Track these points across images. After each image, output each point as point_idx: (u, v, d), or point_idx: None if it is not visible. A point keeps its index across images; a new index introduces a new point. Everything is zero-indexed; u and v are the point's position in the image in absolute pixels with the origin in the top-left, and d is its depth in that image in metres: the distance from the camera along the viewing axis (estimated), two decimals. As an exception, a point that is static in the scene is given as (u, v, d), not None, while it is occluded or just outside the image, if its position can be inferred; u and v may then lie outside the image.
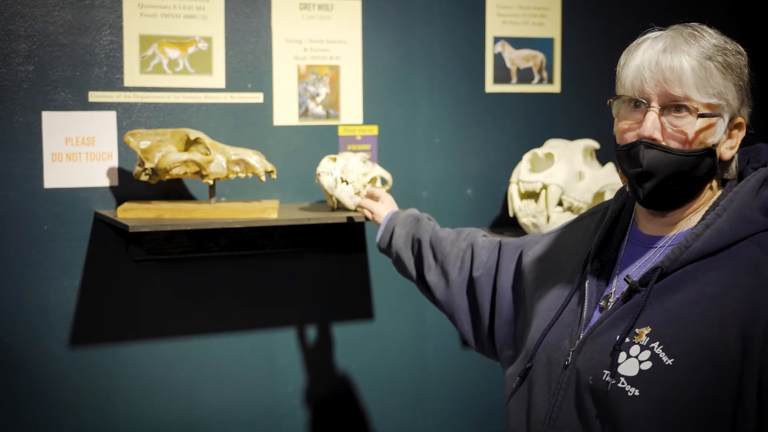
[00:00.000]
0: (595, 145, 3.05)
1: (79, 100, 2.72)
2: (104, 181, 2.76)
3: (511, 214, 3.02)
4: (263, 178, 2.68)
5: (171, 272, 2.87)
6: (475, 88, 3.22)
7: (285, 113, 2.96)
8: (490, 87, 3.23)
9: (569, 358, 1.70)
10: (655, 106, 1.65)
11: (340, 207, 2.82)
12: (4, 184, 2.66)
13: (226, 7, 2.86)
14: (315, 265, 3.05)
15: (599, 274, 1.79)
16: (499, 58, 3.24)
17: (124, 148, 2.76)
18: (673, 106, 1.65)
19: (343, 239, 3.06)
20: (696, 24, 1.75)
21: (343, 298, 3.10)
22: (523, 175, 2.96)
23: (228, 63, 2.88)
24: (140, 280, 2.83)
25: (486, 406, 3.31)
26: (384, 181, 2.91)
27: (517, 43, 3.26)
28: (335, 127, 3.03)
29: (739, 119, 1.72)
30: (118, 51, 2.75)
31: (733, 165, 1.76)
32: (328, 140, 3.02)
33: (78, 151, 2.72)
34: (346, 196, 2.77)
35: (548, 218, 2.90)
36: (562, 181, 2.89)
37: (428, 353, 3.23)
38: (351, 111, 3.05)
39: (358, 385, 3.15)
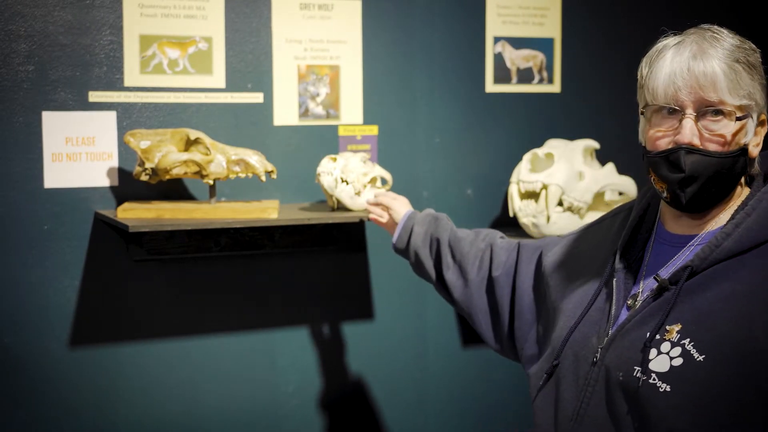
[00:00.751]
0: (595, 145, 3.05)
1: (79, 100, 2.72)
2: (104, 181, 2.76)
3: (511, 214, 3.02)
4: (263, 178, 2.68)
5: (171, 272, 2.87)
6: (476, 88, 3.22)
7: (285, 113, 2.96)
8: (490, 87, 3.23)
9: (598, 355, 1.71)
10: (691, 112, 1.67)
11: (341, 207, 2.82)
12: (4, 184, 2.66)
13: (226, 7, 2.86)
14: (315, 265, 3.05)
15: (626, 272, 1.81)
16: (499, 58, 3.24)
17: (124, 148, 2.76)
18: (709, 111, 1.66)
19: (343, 239, 3.06)
20: (710, 26, 1.77)
21: (344, 298, 3.10)
22: (523, 175, 2.96)
23: (228, 63, 2.88)
24: (140, 280, 2.83)
25: (486, 406, 3.31)
26: (384, 181, 2.91)
27: (517, 43, 3.26)
28: (335, 127, 3.03)
29: (763, 116, 1.74)
30: (118, 51, 2.75)
31: (756, 161, 1.78)
32: (328, 140, 3.02)
33: (78, 151, 2.72)
34: (347, 196, 2.77)
35: (548, 218, 2.90)
36: (562, 181, 2.89)
37: (428, 353, 3.23)
38: (351, 111, 3.05)
39: (359, 385, 3.15)
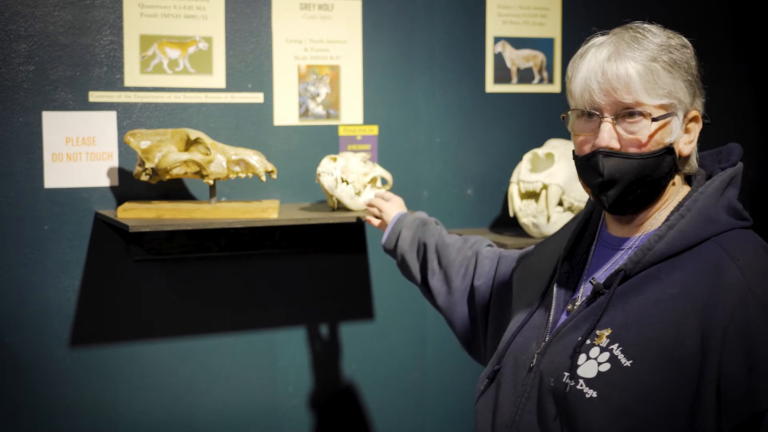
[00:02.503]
0: (596, 145, 3.05)
1: (79, 100, 2.72)
2: (104, 181, 2.76)
3: (511, 214, 3.02)
4: (263, 178, 2.68)
5: (171, 272, 2.87)
6: (476, 88, 3.22)
7: (285, 113, 2.96)
8: (491, 87, 3.23)
9: (534, 361, 1.70)
10: (607, 116, 1.65)
11: (341, 207, 2.82)
12: (5, 184, 2.66)
13: (227, 7, 2.86)
14: (315, 265, 3.05)
15: (568, 277, 1.79)
16: (499, 58, 3.24)
17: (124, 148, 2.76)
18: (625, 113, 1.64)
19: (343, 239, 3.06)
20: (638, 24, 1.75)
21: (344, 298, 3.10)
22: (524, 175, 2.96)
23: (228, 63, 2.88)
24: (141, 280, 2.83)
25: (486, 406, 3.31)
26: (384, 181, 2.91)
27: (518, 43, 3.26)
28: (335, 127, 3.03)
29: (694, 113, 1.72)
30: (118, 51, 2.75)
31: (694, 159, 1.75)
32: (328, 140, 3.02)
33: (78, 151, 2.73)
34: (347, 196, 2.77)
35: (548, 218, 2.90)
36: (562, 181, 2.89)
37: (428, 353, 3.23)
38: (351, 111, 3.05)
39: (358, 385, 3.15)
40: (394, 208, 2.55)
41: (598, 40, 1.71)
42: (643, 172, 1.66)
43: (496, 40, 3.23)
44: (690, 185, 1.76)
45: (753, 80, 3.71)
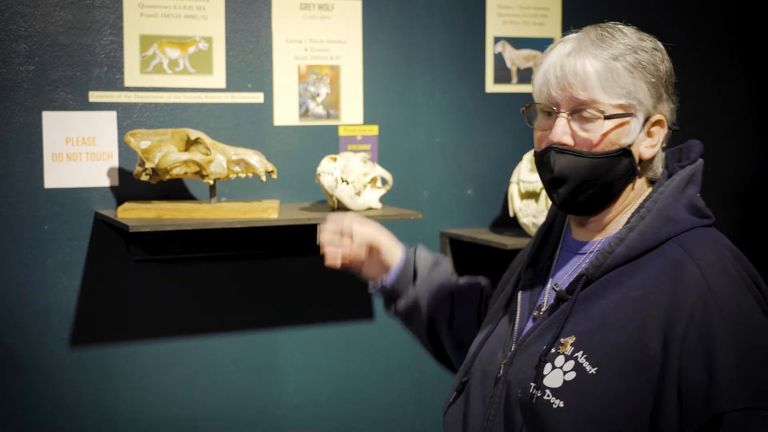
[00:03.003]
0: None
1: (79, 100, 2.72)
2: (105, 181, 2.76)
3: (511, 214, 3.02)
4: (263, 178, 2.68)
5: (171, 272, 2.87)
6: (476, 88, 3.22)
7: (285, 113, 2.96)
8: (491, 87, 3.23)
9: (501, 371, 1.67)
10: (563, 111, 1.63)
11: (341, 207, 2.82)
12: (5, 184, 2.66)
13: (227, 8, 2.86)
14: (315, 265, 3.04)
15: (533, 283, 1.76)
16: (499, 58, 3.24)
17: (124, 148, 2.76)
18: (580, 109, 1.62)
19: (343, 239, 3.06)
20: (610, 23, 1.73)
21: (344, 298, 3.10)
22: (524, 175, 2.96)
23: (228, 63, 2.88)
24: (141, 280, 2.83)
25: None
26: (384, 181, 2.91)
27: (518, 43, 3.26)
28: (335, 127, 3.03)
29: (658, 116, 1.68)
30: (118, 51, 2.75)
31: (659, 163, 1.72)
32: (328, 140, 3.02)
33: (78, 151, 2.72)
34: (347, 196, 2.77)
35: (548, 218, 2.90)
36: (562, 181, 2.88)
37: (428, 353, 3.22)
38: (351, 111, 3.05)
39: (358, 385, 3.15)
40: (392, 245, 2.06)
41: (567, 36, 1.70)
42: (596, 172, 1.63)
43: (496, 40, 3.23)
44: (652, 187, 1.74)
45: (753, 80, 3.71)
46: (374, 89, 3.07)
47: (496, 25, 3.23)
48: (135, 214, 2.59)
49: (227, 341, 2.96)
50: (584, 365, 1.56)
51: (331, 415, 3.12)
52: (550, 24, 3.30)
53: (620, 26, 1.72)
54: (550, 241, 1.81)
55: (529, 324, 1.70)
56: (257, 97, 2.92)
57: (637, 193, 1.70)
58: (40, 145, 2.68)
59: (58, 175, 2.71)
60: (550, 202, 2.88)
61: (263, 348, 3.00)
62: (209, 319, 2.93)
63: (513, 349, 1.67)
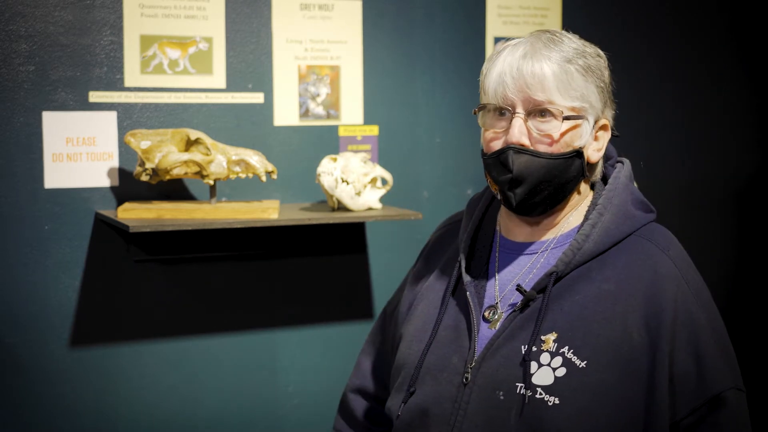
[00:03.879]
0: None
1: (79, 101, 2.72)
2: (105, 182, 2.76)
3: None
4: (264, 179, 2.68)
5: (171, 272, 2.87)
6: (476, 88, 3.20)
7: (285, 113, 2.96)
8: (491, 87, 3.23)
9: (468, 376, 1.66)
10: (520, 112, 1.65)
11: (341, 207, 2.82)
12: (5, 185, 2.66)
13: (227, 8, 2.86)
14: (315, 265, 3.05)
15: (475, 286, 1.76)
16: (499, 59, 3.23)
17: (124, 148, 2.76)
18: (537, 111, 1.65)
19: (343, 239, 3.06)
20: (555, 29, 1.75)
21: (344, 298, 3.11)
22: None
23: (228, 63, 2.88)
24: (141, 280, 2.83)
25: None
26: (384, 182, 2.91)
27: (518, 43, 3.25)
28: (336, 128, 3.03)
29: (604, 121, 1.72)
30: (118, 51, 2.75)
31: (600, 168, 1.77)
32: (328, 140, 3.02)
33: (79, 151, 2.73)
34: (347, 196, 2.77)
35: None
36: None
37: None
38: (351, 111, 3.05)
39: (359, 385, 3.15)
40: None
41: (514, 41, 1.71)
42: (552, 172, 1.66)
43: (496, 40, 3.23)
44: (591, 189, 1.78)
45: (753, 80, 3.71)
46: (374, 89, 3.07)
47: (496, 25, 3.23)
48: (135, 214, 2.60)
49: (227, 341, 2.96)
50: (573, 360, 1.59)
51: (331, 415, 3.11)
52: (550, 24, 3.30)
53: (564, 32, 1.74)
54: (480, 245, 1.82)
55: (483, 325, 1.70)
56: (257, 98, 2.92)
57: (583, 195, 1.76)
58: (40, 145, 2.68)
59: (58, 175, 2.71)
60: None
61: (263, 348, 3.00)
62: (209, 319, 2.93)
63: (479, 352, 1.67)
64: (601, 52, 1.74)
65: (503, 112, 1.68)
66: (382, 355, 2.02)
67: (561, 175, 1.67)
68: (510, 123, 1.66)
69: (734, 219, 3.72)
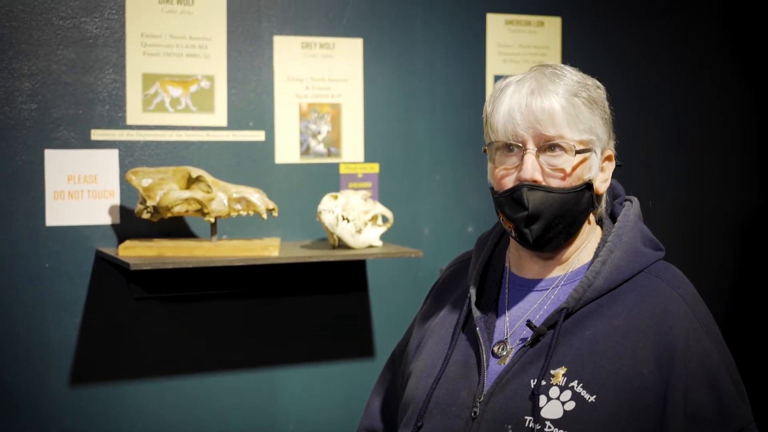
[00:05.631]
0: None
1: (81, 138, 2.73)
2: (106, 219, 2.76)
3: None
4: (264, 216, 2.68)
5: (172, 310, 2.86)
6: (476, 126, 3.21)
7: (286, 151, 2.97)
8: (491, 125, 3.24)
9: (477, 410, 1.65)
10: (531, 148, 1.65)
11: (342, 245, 2.82)
12: (6, 222, 2.66)
13: (229, 46, 2.88)
14: (316, 303, 3.04)
15: (485, 321, 1.76)
16: (499, 96, 3.25)
17: (125, 185, 2.77)
18: (548, 146, 1.65)
19: (344, 277, 3.06)
20: (554, 63, 1.76)
21: (344, 336, 3.10)
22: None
23: (230, 101, 2.89)
24: (141, 317, 2.82)
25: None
26: (385, 219, 2.91)
27: (518, 81, 3.27)
28: (336, 165, 3.04)
29: (609, 152, 1.74)
30: (120, 89, 2.77)
31: (604, 200, 1.78)
32: (329, 178, 3.03)
33: (80, 188, 2.73)
34: (348, 233, 2.77)
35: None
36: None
37: None
38: (352, 149, 3.06)
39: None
40: None
41: (516, 77, 1.72)
42: (565, 207, 1.66)
43: (497, 78, 3.24)
44: (598, 224, 1.79)
45: (752, 83, 3.72)
46: (375, 127, 3.08)
47: (496, 63, 3.25)
48: (136, 252, 2.60)
49: (228, 379, 2.94)
50: (582, 394, 1.58)
51: (331, 454, 3.10)
52: (550, 62, 3.31)
53: (564, 66, 1.75)
54: (489, 282, 1.82)
55: (492, 360, 1.70)
56: (258, 135, 2.93)
57: (591, 229, 1.77)
58: (41, 183, 2.69)
59: (59, 212, 2.71)
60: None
61: (264, 386, 2.99)
62: (210, 357, 2.92)
63: (489, 386, 1.66)
64: (600, 84, 1.75)
65: (512, 148, 1.68)
66: (391, 394, 2.02)
67: (574, 209, 1.68)
68: (522, 159, 1.66)
69: (739, 253, 3.72)
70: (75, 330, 2.76)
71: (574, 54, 3.34)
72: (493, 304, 1.78)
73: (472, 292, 1.79)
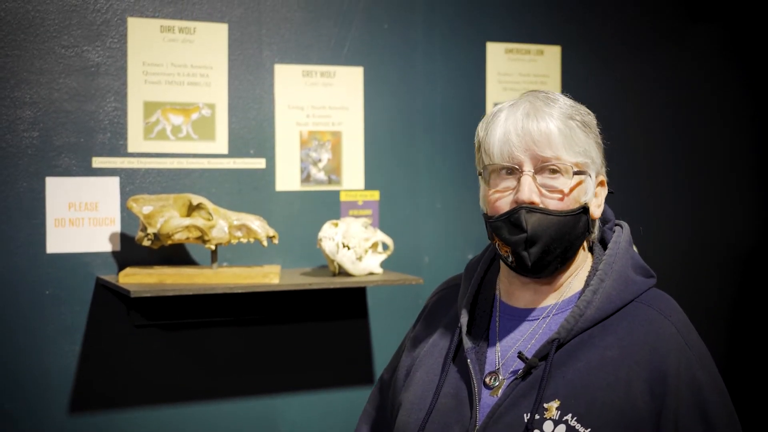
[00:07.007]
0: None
1: (82, 166, 2.74)
2: (106, 246, 2.77)
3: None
4: (265, 243, 2.68)
5: (172, 337, 2.86)
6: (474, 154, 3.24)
7: (287, 179, 2.98)
8: (491, 152, 3.25)
9: None
10: (528, 170, 1.64)
11: (342, 272, 2.82)
12: (7, 249, 2.67)
13: (230, 75, 2.89)
14: (317, 331, 3.04)
15: (476, 352, 1.73)
16: (499, 124, 3.26)
17: (126, 213, 2.77)
18: (545, 167, 1.64)
19: (344, 304, 3.06)
20: (545, 90, 1.77)
21: (345, 363, 3.09)
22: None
23: (231, 129, 2.90)
24: (142, 345, 2.82)
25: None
26: (385, 246, 2.92)
27: (518, 109, 3.28)
28: (337, 193, 3.05)
29: (601, 177, 1.73)
30: (122, 117, 2.78)
31: (597, 225, 1.77)
32: (329, 205, 3.04)
33: (81, 216, 2.74)
34: (348, 261, 2.77)
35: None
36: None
37: (430, 419, 3.20)
38: (353, 176, 3.06)
39: (360, 452, 3.12)
40: None
41: (508, 102, 1.72)
42: (563, 230, 1.65)
43: (496, 106, 3.25)
44: (588, 250, 1.77)
45: (754, 113, 3.73)
46: (375, 155, 3.09)
47: (496, 91, 3.26)
48: (136, 279, 2.60)
49: (228, 407, 2.94)
50: (577, 428, 1.56)
51: (331, 483, 3.09)
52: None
53: (552, 91, 1.75)
54: (479, 311, 1.80)
55: (485, 393, 1.68)
56: (259, 163, 2.94)
57: (584, 256, 1.75)
58: (42, 210, 2.70)
59: (60, 240, 2.71)
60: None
61: (264, 413, 2.98)
62: (210, 384, 2.91)
63: (482, 420, 1.64)
64: (589, 111, 1.74)
65: (510, 171, 1.66)
66: (380, 421, 1.99)
67: (571, 232, 1.66)
68: (518, 182, 1.65)
69: (737, 285, 3.71)
70: (75, 357, 2.75)
71: (573, 82, 3.35)
72: (483, 333, 1.76)
73: (463, 321, 1.76)
